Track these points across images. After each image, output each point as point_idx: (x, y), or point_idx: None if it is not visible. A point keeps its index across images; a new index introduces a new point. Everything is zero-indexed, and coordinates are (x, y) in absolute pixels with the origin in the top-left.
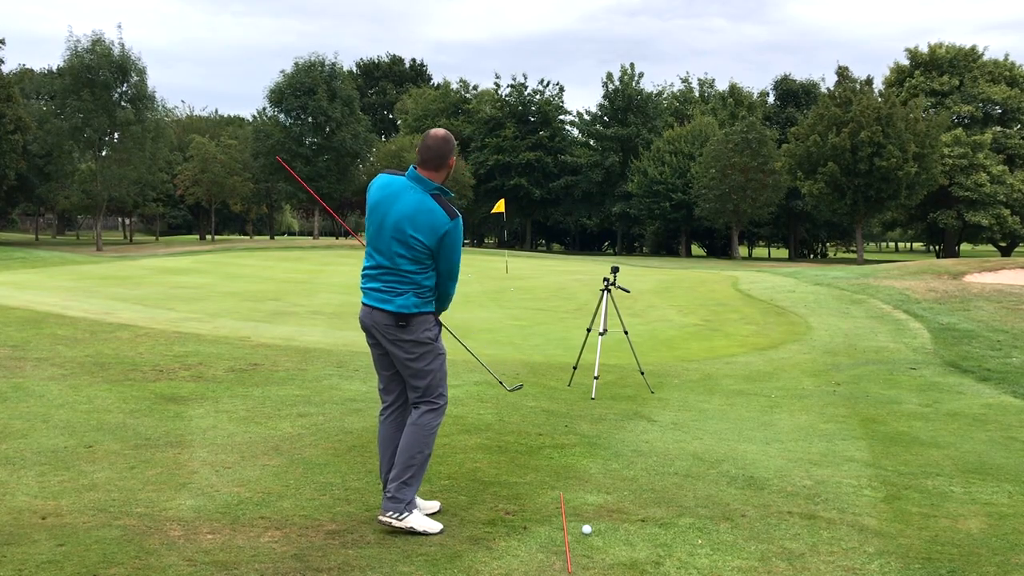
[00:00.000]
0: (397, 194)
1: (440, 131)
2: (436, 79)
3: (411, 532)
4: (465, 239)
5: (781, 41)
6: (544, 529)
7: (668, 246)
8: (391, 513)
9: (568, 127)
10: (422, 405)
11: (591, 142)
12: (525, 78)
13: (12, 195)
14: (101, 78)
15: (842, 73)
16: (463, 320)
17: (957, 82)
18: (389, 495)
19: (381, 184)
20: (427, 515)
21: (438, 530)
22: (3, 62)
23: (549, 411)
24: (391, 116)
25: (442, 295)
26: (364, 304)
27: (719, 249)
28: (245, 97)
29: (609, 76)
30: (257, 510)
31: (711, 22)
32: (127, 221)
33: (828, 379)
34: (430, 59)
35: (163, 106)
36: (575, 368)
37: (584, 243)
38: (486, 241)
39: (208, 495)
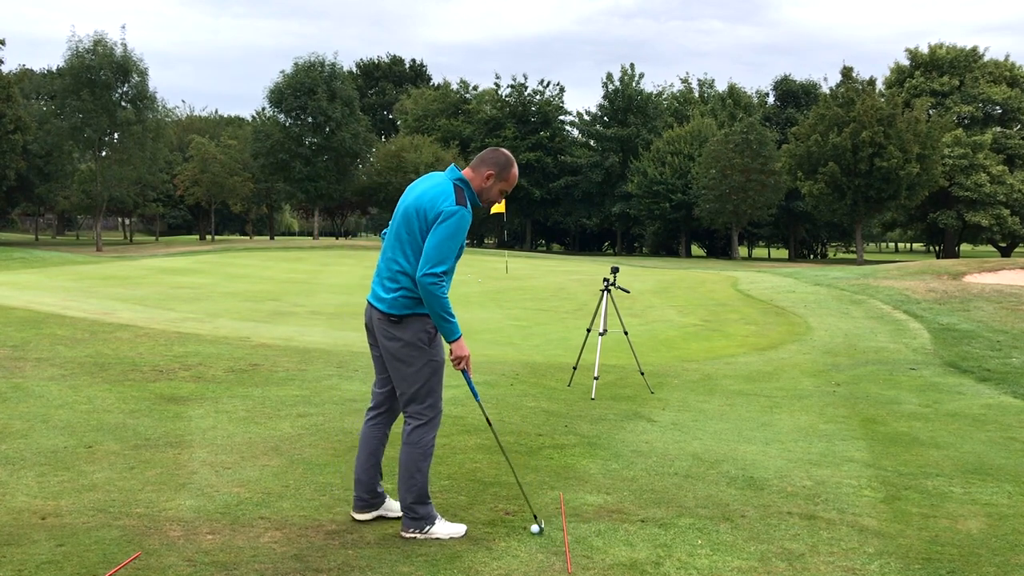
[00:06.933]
0: (420, 181)
1: (504, 149)
2: (436, 80)
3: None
4: (465, 239)
5: (777, 43)
6: (544, 529)
7: (668, 246)
8: (413, 530)
9: (568, 127)
10: (410, 418)
11: (591, 142)
12: (525, 78)
13: (12, 195)
14: (102, 78)
15: (846, 73)
16: (462, 320)
17: (957, 82)
18: (409, 515)
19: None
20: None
21: (463, 531)
22: (3, 62)
23: (549, 411)
24: (391, 116)
25: (416, 281)
26: (367, 301)
27: (719, 249)
28: (245, 97)
29: (609, 77)
30: (257, 510)
31: (707, 24)
32: (127, 221)
33: (828, 379)
34: (429, 60)
35: (163, 106)
36: (575, 368)
37: (584, 243)
38: (486, 241)
39: (208, 495)
